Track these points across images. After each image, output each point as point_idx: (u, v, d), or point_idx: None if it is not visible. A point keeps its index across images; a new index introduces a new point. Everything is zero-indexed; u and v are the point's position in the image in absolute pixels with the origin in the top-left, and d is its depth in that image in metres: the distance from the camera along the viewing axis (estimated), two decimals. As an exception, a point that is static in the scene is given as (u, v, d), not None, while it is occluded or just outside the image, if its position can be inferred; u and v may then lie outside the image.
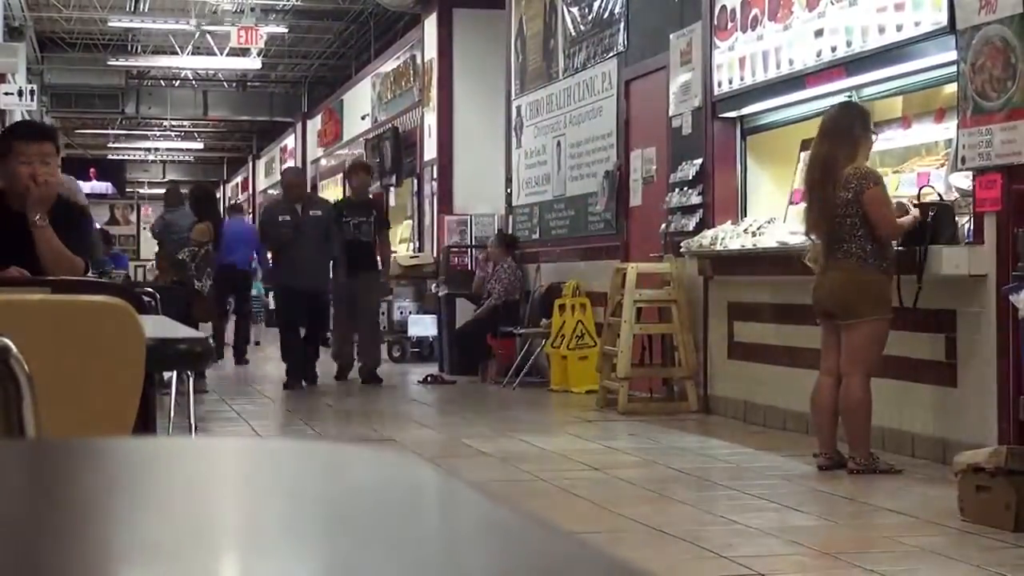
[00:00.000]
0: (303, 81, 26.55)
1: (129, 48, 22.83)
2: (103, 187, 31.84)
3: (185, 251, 10.47)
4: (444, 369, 12.21)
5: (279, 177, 27.56)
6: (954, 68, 6.28)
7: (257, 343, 18.35)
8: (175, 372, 6.02)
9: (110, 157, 34.69)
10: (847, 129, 6.20)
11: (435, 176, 15.35)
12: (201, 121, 29.32)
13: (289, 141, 27.48)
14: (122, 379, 2.05)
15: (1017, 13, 5.80)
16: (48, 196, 4.38)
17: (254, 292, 19.63)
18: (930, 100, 7.26)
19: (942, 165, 6.85)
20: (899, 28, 6.74)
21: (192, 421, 5.68)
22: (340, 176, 22.13)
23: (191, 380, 6.17)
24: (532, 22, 12.27)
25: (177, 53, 21.71)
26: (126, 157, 35.21)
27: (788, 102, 8.17)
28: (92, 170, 31.99)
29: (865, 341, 6.06)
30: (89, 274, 4.45)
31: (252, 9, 19.43)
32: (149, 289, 6.57)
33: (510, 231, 12.55)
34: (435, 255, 14.79)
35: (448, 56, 15.28)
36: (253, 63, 21.51)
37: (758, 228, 8.00)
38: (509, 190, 12.76)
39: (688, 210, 9.02)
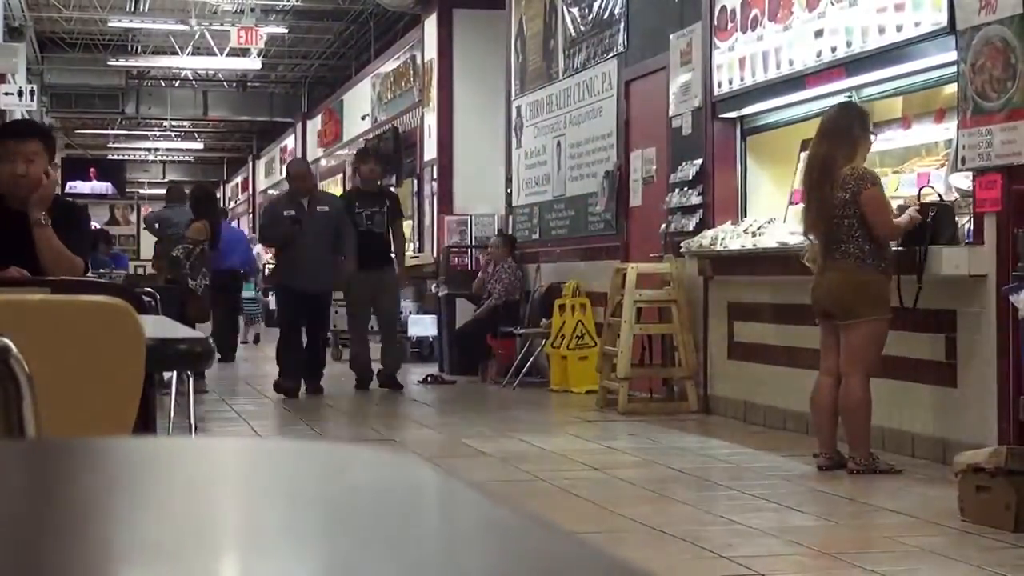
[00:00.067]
0: (303, 81, 26.56)
1: (129, 48, 22.84)
2: (103, 187, 31.84)
3: (180, 248, 10.37)
4: (444, 369, 12.21)
5: (279, 177, 27.61)
6: (954, 68, 6.28)
7: (256, 342, 18.39)
8: (175, 372, 6.02)
9: (110, 157, 34.70)
10: (846, 129, 6.20)
11: (435, 176, 15.35)
12: (201, 121, 29.33)
13: (289, 141, 27.49)
14: (122, 379, 2.05)
15: (1017, 13, 5.80)
16: (48, 195, 4.37)
17: (250, 293, 19.68)
18: (930, 100, 7.26)
19: (942, 165, 6.85)
20: (899, 28, 6.74)
21: (192, 421, 5.69)
22: (340, 176, 22.17)
23: (191, 380, 6.18)
24: (532, 22, 12.27)
25: (177, 53, 21.72)
26: (126, 157, 35.21)
27: (788, 102, 8.17)
28: (92, 170, 32.01)
29: (864, 341, 6.06)
30: (88, 274, 4.45)
31: (252, 9, 19.43)
32: (149, 289, 6.57)
33: (510, 231, 12.55)
34: (435, 255, 14.80)
35: (448, 56, 15.29)
36: (253, 63, 21.51)
37: (758, 228, 8.00)
38: (509, 190, 12.77)
39: (688, 210, 9.02)
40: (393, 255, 10.87)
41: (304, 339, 10.64)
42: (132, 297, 2.96)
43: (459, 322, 12.27)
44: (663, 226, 9.30)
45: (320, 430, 8.35)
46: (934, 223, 6.19)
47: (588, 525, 4.92)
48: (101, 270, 12.93)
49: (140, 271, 24.04)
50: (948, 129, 6.74)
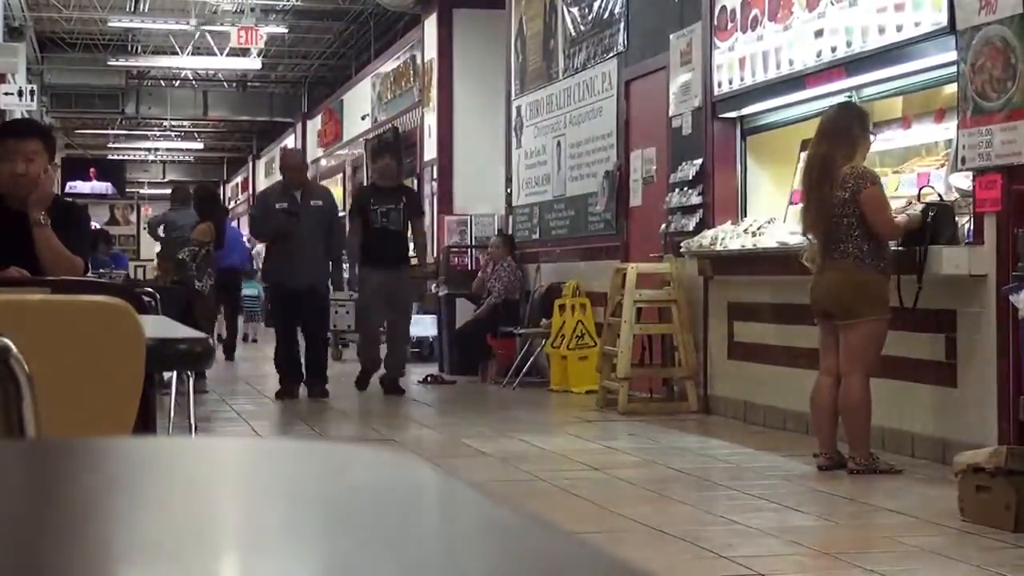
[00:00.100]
0: (303, 81, 26.56)
1: (129, 48, 22.84)
2: (103, 187, 31.84)
3: (185, 251, 10.41)
4: (444, 369, 12.21)
5: (279, 177, 27.61)
6: (954, 68, 6.28)
7: (255, 340, 18.42)
8: (175, 372, 6.02)
9: (110, 157, 34.70)
10: (845, 129, 6.20)
11: (435, 176, 15.35)
12: (201, 121, 29.33)
13: (289, 141, 27.48)
14: (122, 379, 2.05)
15: (1017, 13, 5.80)
16: (46, 196, 4.37)
17: (253, 292, 19.70)
18: (930, 100, 7.26)
19: (942, 165, 6.85)
20: (899, 28, 6.74)
21: (192, 421, 5.69)
22: (340, 176, 22.18)
23: (191, 380, 6.18)
24: (532, 22, 12.27)
25: (177, 53, 21.72)
26: (126, 157, 35.22)
27: (788, 102, 8.17)
28: (92, 170, 32.01)
29: (863, 341, 6.06)
30: (88, 274, 4.45)
31: (252, 9, 19.43)
32: (149, 289, 6.57)
33: (510, 231, 12.55)
34: (435, 255, 14.80)
35: (448, 56, 15.29)
36: (253, 63, 21.52)
37: (758, 228, 8.00)
38: (509, 190, 12.77)
39: (688, 210, 9.02)
40: (413, 254, 10.35)
41: (302, 341, 10.30)
42: (132, 297, 2.96)
43: (459, 322, 12.27)
44: (663, 226, 9.30)
45: (320, 430, 8.35)
46: (934, 223, 6.19)
47: (588, 525, 4.92)
48: (101, 270, 12.94)
49: (140, 271, 24.07)
50: (948, 129, 6.74)
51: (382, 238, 10.05)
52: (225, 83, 26.96)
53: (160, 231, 11.90)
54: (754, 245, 7.90)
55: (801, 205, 6.53)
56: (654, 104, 9.65)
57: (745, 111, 8.64)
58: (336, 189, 20.66)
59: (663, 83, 9.44)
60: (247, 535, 0.71)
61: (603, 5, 10.62)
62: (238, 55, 21.15)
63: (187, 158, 37.21)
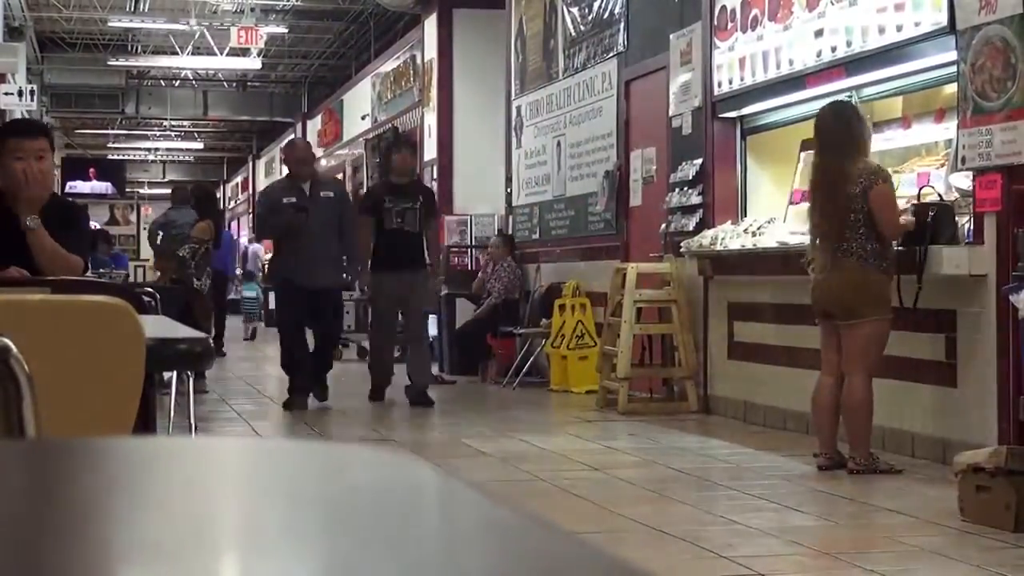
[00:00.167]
0: (303, 81, 26.57)
1: (129, 48, 22.84)
2: (103, 187, 31.84)
3: (185, 248, 10.41)
4: (444, 369, 12.20)
5: (279, 177, 27.62)
6: (954, 68, 6.28)
7: (253, 338, 18.47)
8: (175, 372, 6.02)
9: (110, 157, 34.70)
10: (845, 130, 6.19)
11: (435, 176, 15.35)
12: (201, 121, 29.34)
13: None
14: (122, 379, 2.05)
15: (1017, 13, 5.80)
16: (38, 197, 4.37)
17: (252, 292, 19.76)
18: (930, 100, 7.26)
19: (942, 165, 6.85)
20: (899, 28, 6.74)
21: (192, 421, 5.68)
22: (340, 176, 22.17)
23: (191, 380, 6.17)
24: (532, 22, 12.27)
25: (177, 53, 21.72)
26: (126, 157, 35.22)
27: (788, 102, 8.17)
28: (92, 170, 32.00)
29: (865, 341, 6.06)
30: (88, 274, 4.45)
31: (252, 9, 19.44)
32: (149, 289, 6.57)
33: (510, 231, 12.55)
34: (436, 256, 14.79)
35: (448, 56, 15.28)
36: (253, 63, 21.52)
37: (758, 228, 8.00)
38: (509, 190, 12.77)
39: (688, 210, 9.02)
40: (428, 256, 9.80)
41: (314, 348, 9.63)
42: (132, 297, 2.96)
43: (459, 322, 12.27)
44: (663, 226, 9.30)
45: (320, 430, 8.35)
46: (934, 223, 6.19)
47: (588, 525, 4.92)
48: (101, 270, 12.95)
49: (140, 271, 24.09)
50: (948, 129, 6.74)
51: (398, 240, 9.33)
52: (225, 83, 26.97)
53: (158, 237, 11.90)
54: (754, 245, 7.90)
55: (805, 206, 6.47)
56: (654, 104, 9.65)
57: (745, 111, 8.64)
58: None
59: (663, 83, 9.44)
60: (247, 535, 0.71)
61: (603, 5, 10.62)
62: (238, 55, 21.15)
63: (187, 158, 37.22)
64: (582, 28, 11.11)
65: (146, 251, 29.77)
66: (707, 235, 8.46)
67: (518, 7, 12.64)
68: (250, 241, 24.05)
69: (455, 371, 11.90)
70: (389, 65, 18.55)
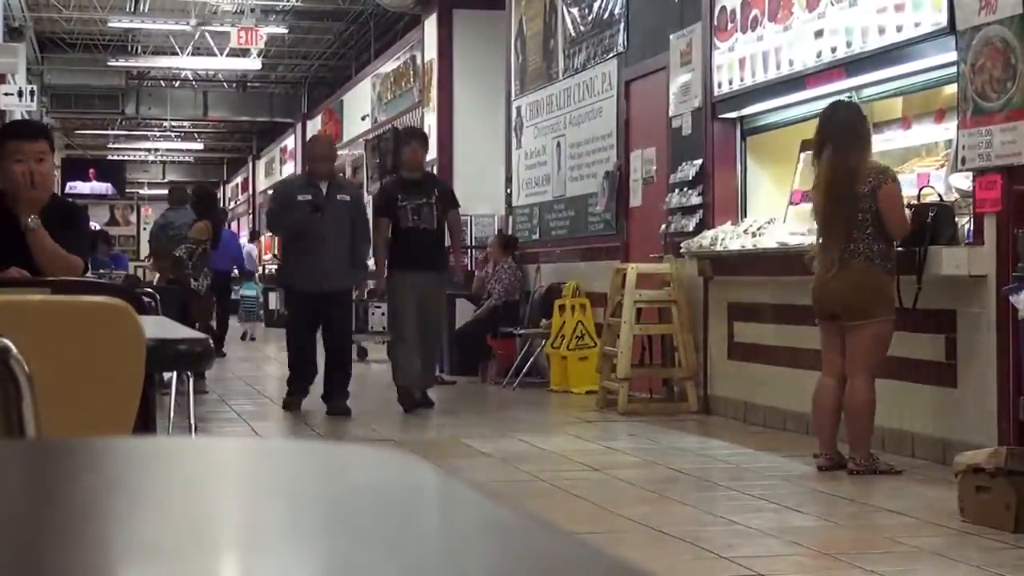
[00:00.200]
0: (303, 81, 26.57)
1: (129, 48, 22.86)
2: (103, 187, 31.86)
3: (182, 248, 10.41)
4: (444, 369, 12.19)
5: (280, 177, 27.63)
6: (954, 69, 6.28)
7: (252, 339, 18.49)
8: (175, 372, 6.02)
9: (110, 158, 34.72)
10: (855, 129, 6.19)
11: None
12: (201, 121, 29.35)
13: (289, 141, 27.50)
14: (122, 379, 2.05)
15: (1017, 14, 5.80)
16: (38, 198, 4.38)
17: (251, 292, 19.78)
18: (930, 101, 7.26)
19: (942, 166, 6.85)
20: (899, 29, 6.74)
21: (192, 421, 5.68)
22: (341, 175, 22.18)
23: (191, 380, 6.17)
24: (532, 22, 12.28)
25: (177, 53, 21.74)
26: (126, 158, 35.24)
27: (788, 103, 8.17)
28: (92, 170, 32.03)
29: (871, 343, 6.05)
30: (88, 274, 4.46)
31: (252, 9, 19.45)
32: (149, 289, 6.57)
33: (510, 231, 12.55)
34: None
35: (448, 56, 15.29)
36: (253, 63, 21.53)
37: (758, 228, 8.00)
38: (509, 190, 12.77)
39: (688, 210, 9.02)
40: (451, 252, 9.43)
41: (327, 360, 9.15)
42: (132, 297, 2.96)
43: (459, 322, 12.26)
44: (663, 226, 9.30)
45: (320, 430, 8.35)
46: (934, 223, 6.18)
47: (588, 525, 4.92)
48: (101, 271, 12.96)
49: (140, 272, 24.15)
50: (948, 129, 6.74)
51: (414, 239, 8.91)
52: (225, 83, 26.98)
53: (158, 239, 11.91)
54: (754, 245, 7.90)
55: (816, 207, 6.35)
56: (654, 104, 9.65)
57: (745, 111, 8.64)
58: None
59: (663, 83, 9.44)
60: (247, 535, 0.71)
61: (603, 5, 10.62)
62: (238, 55, 21.16)
63: (187, 158, 37.23)
64: (582, 28, 11.11)
65: (146, 252, 29.82)
66: (707, 235, 8.46)
67: (518, 7, 12.64)
68: (250, 240, 24.08)
69: (455, 371, 11.90)
70: (389, 65, 18.55)
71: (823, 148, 6.21)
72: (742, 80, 8.35)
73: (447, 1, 15.26)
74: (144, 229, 35.79)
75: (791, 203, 8.23)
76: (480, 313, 11.78)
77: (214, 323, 14.10)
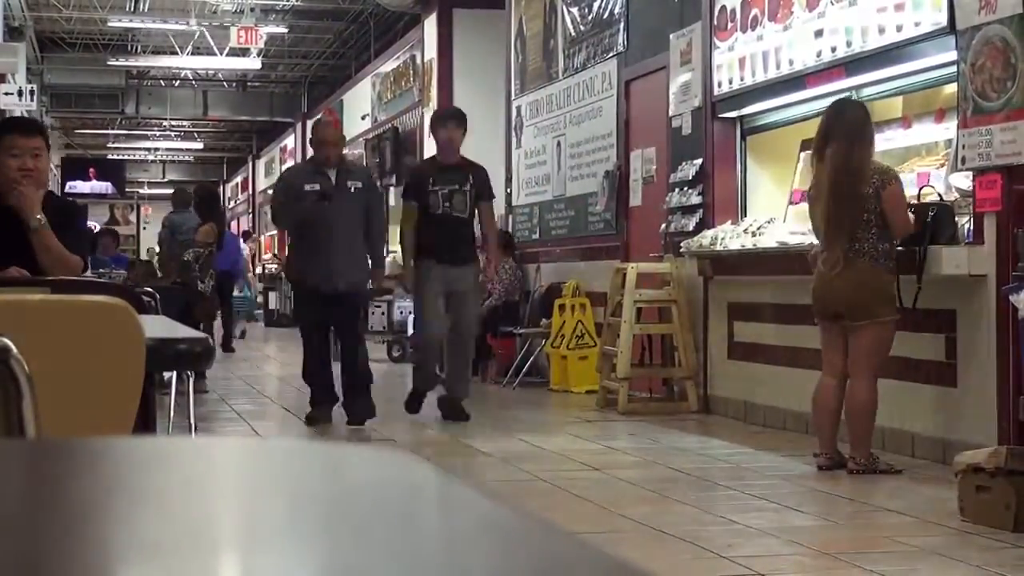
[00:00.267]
0: (303, 81, 26.57)
1: (129, 48, 22.86)
2: (103, 187, 31.86)
3: (190, 252, 10.51)
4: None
5: (277, 173, 27.64)
6: (954, 68, 6.28)
7: (242, 337, 18.53)
8: (175, 372, 6.02)
9: (110, 157, 34.73)
10: (862, 128, 6.18)
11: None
12: (201, 121, 29.36)
13: (289, 141, 27.51)
14: (122, 379, 2.05)
15: (1017, 13, 5.80)
16: (33, 194, 4.38)
17: (243, 293, 19.85)
18: (930, 100, 7.26)
19: (942, 165, 6.85)
20: (899, 28, 6.74)
21: (192, 421, 5.68)
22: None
23: (191, 380, 6.17)
24: (532, 22, 12.28)
25: (177, 53, 21.74)
26: (126, 157, 35.25)
27: (788, 102, 8.17)
28: (92, 170, 32.03)
29: (874, 343, 6.04)
30: (88, 274, 4.46)
31: (252, 9, 19.45)
32: (149, 289, 6.57)
33: (510, 231, 12.55)
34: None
35: (448, 56, 15.29)
36: (253, 63, 21.53)
37: (758, 228, 8.00)
38: (509, 190, 12.77)
39: (688, 210, 9.02)
40: (481, 247, 8.72)
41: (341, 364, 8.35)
42: (132, 297, 2.96)
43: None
44: (663, 226, 9.30)
45: (320, 430, 8.34)
46: (934, 223, 6.18)
47: (588, 525, 4.92)
48: (101, 270, 12.96)
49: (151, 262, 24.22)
50: (948, 129, 6.74)
51: (445, 227, 8.21)
52: (225, 83, 26.98)
53: (167, 244, 11.93)
54: (754, 245, 7.89)
55: (816, 206, 6.33)
56: (654, 104, 9.65)
57: (745, 111, 8.64)
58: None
59: (663, 83, 9.44)
60: (247, 535, 0.71)
61: (603, 5, 10.62)
62: (238, 55, 21.16)
63: (187, 158, 37.24)
64: (582, 28, 11.11)
65: (145, 251, 29.81)
66: (707, 235, 8.46)
67: (518, 7, 12.64)
68: (244, 240, 24.08)
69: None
70: (389, 65, 18.55)
71: (826, 146, 6.19)
72: (742, 80, 8.35)
73: (447, 1, 15.26)
74: (144, 229, 35.83)
75: (791, 203, 8.23)
76: (480, 312, 11.76)
77: (219, 323, 14.19)
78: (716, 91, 8.66)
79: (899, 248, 6.21)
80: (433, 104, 15.43)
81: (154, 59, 22.71)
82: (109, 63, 22.15)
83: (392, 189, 17.59)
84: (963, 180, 6.30)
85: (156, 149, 34.78)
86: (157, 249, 12.44)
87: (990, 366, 6.03)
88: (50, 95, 23.94)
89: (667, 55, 9.38)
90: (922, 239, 6.14)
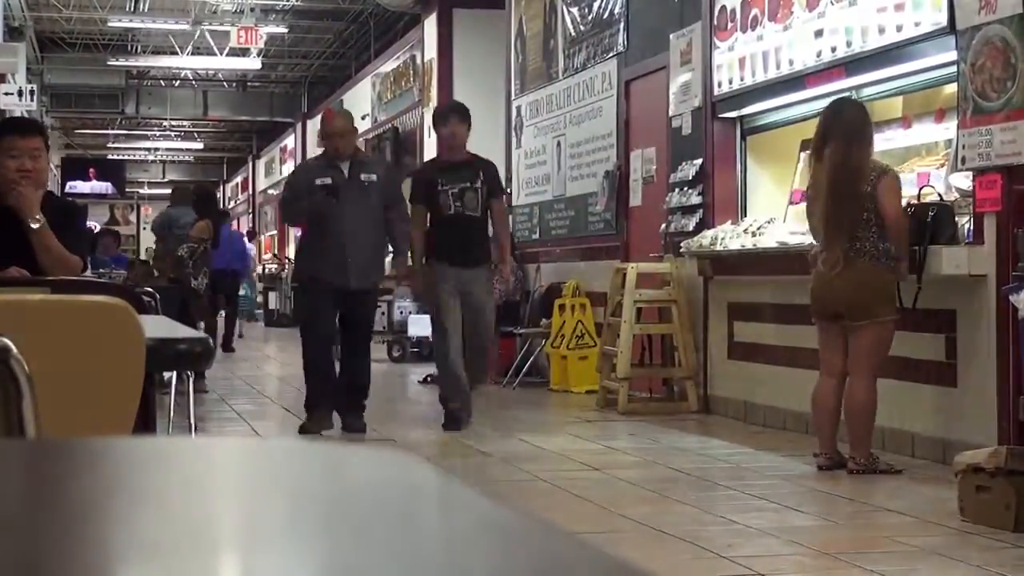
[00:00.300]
0: (303, 81, 26.58)
1: (129, 48, 22.86)
2: (103, 187, 31.87)
3: (184, 247, 10.49)
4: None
5: (279, 177, 27.61)
6: (954, 68, 6.28)
7: (240, 336, 18.54)
8: (175, 372, 6.02)
9: (110, 157, 34.74)
10: (862, 128, 6.18)
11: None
12: (201, 121, 29.36)
13: (289, 141, 27.51)
14: (122, 379, 2.05)
15: (1017, 13, 5.80)
16: (32, 194, 4.38)
17: (242, 292, 19.86)
18: (930, 100, 7.26)
19: (942, 165, 6.85)
20: (899, 28, 6.74)
21: (192, 421, 5.68)
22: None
23: (191, 380, 6.17)
24: (532, 22, 12.28)
25: (177, 53, 21.74)
26: (126, 157, 35.25)
27: (788, 102, 8.17)
28: (92, 170, 32.05)
29: (874, 342, 6.04)
30: (88, 273, 4.46)
31: (252, 9, 19.45)
32: (149, 289, 6.57)
33: (510, 231, 12.55)
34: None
35: (448, 56, 15.29)
36: (253, 63, 21.53)
37: (758, 228, 8.00)
38: (509, 190, 12.76)
39: (688, 210, 9.02)
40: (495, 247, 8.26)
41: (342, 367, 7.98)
42: (132, 297, 2.96)
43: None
44: (663, 226, 9.30)
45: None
46: (934, 223, 6.18)
47: (588, 525, 4.92)
48: (101, 270, 12.96)
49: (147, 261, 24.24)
50: (948, 129, 6.74)
51: (456, 227, 7.79)
52: (225, 83, 26.98)
53: (163, 237, 11.93)
54: (754, 245, 7.89)
55: (814, 206, 6.32)
56: (654, 104, 9.65)
57: (745, 111, 8.64)
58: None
59: (663, 83, 9.44)
60: (247, 535, 0.71)
61: (603, 5, 10.62)
62: (238, 55, 21.17)
63: (187, 158, 37.24)
64: (582, 28, 11.11)
65: (145, 250, 29.81)
66: (707, 235, 8.46)
67: (518, 7, 12.64)
68: (248, 239, 24.08)
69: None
70: (389, 65, 18.55)
71: (825, 145, 6.19)
72: (742, 80, 8.35)
73: (447, 1, 15.26)
74: (144, 229, 35.82)
75: (791, 203, 8.23)
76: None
77: (220, 321, 14.19)
78: (716, 91, 8.66)
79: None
80: (433, 104, 15.42)
81: (154, 59, 22.72)
82: (109, 63, 22.16)
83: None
84: (963, 180, 6.29)
85: (156, 149, 34.78)
86: (155, 245, 12.46)
87: (990, 366, 6.03)
88: (50, 95, 23.95)
89: (667, 55, 9.38)
90: (922, 239, 6.14)
